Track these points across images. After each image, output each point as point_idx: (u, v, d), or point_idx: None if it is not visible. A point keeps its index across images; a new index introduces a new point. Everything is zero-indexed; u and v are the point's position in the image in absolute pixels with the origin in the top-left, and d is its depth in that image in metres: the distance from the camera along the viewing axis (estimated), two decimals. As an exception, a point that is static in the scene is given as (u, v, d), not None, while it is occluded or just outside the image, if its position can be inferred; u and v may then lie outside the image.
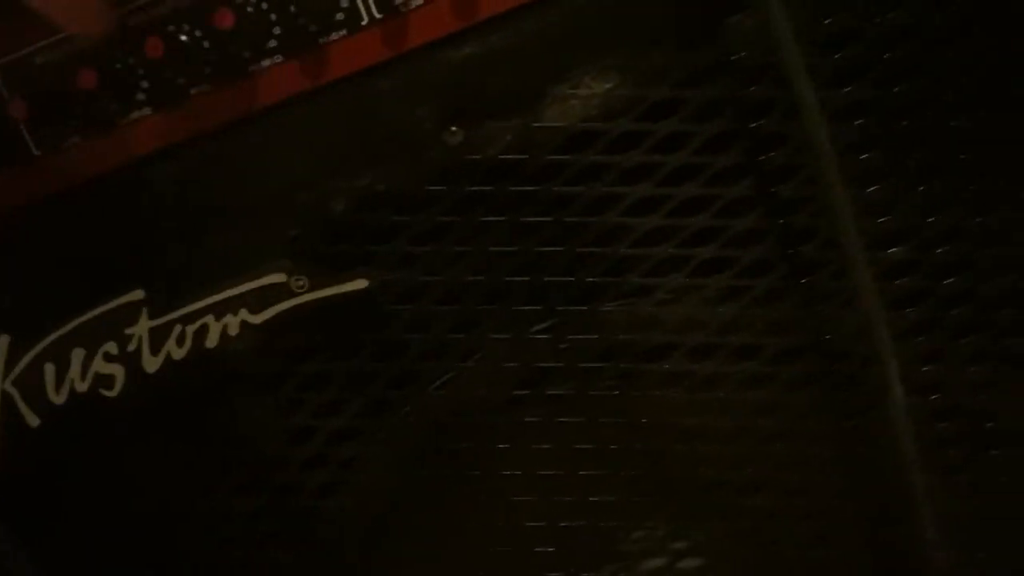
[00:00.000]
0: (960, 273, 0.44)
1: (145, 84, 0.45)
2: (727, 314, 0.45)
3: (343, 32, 0.44)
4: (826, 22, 0.40)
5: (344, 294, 0.44)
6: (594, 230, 0.45)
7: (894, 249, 0.43)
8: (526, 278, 0.45)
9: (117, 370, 0.47)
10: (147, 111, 0.45)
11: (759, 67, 0.40)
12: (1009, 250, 0.43)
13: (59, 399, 0.47)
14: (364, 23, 0.43)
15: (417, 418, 0.47)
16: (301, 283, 0.45)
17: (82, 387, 0.47)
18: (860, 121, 0.41)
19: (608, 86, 0.42)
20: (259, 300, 0.45)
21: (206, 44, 0.44)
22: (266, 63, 0.44)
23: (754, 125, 0.42)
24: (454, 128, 0.43)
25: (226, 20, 0.42)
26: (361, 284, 0.44)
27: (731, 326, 0.45)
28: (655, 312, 0.46)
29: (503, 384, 0.48)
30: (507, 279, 0.45)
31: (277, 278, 0.45)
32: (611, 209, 0.44)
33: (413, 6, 0.43)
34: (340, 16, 0.43)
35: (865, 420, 0.44)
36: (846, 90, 0.41)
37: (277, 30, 0.43)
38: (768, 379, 0.46)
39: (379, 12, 0.43)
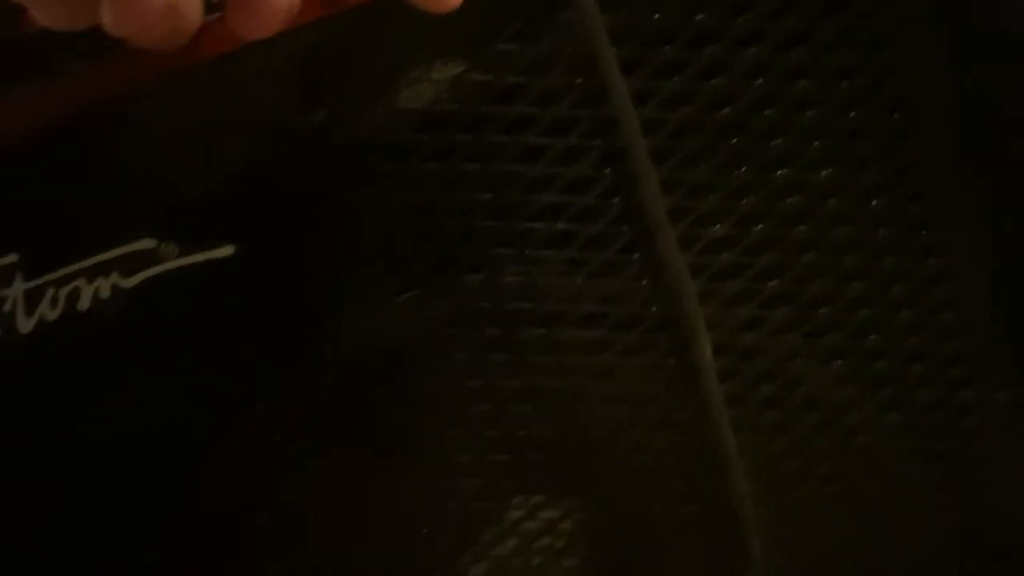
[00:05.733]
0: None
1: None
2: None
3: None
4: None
5: (211, 260, 0.47)
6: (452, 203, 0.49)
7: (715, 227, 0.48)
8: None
9: (-8, 330, 0.49)
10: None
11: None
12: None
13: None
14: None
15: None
16: (171, 249, 0.47)
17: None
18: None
19: (456, 71, 0.46)
20: (130, 265, 0.48)
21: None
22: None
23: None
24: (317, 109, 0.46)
25: None
26: (228, 251, 0.47)
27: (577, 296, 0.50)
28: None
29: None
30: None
31: (147, 244, 0.47)
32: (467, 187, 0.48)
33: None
34: None
35: (685, 384, 0.49)
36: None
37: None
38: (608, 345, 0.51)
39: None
